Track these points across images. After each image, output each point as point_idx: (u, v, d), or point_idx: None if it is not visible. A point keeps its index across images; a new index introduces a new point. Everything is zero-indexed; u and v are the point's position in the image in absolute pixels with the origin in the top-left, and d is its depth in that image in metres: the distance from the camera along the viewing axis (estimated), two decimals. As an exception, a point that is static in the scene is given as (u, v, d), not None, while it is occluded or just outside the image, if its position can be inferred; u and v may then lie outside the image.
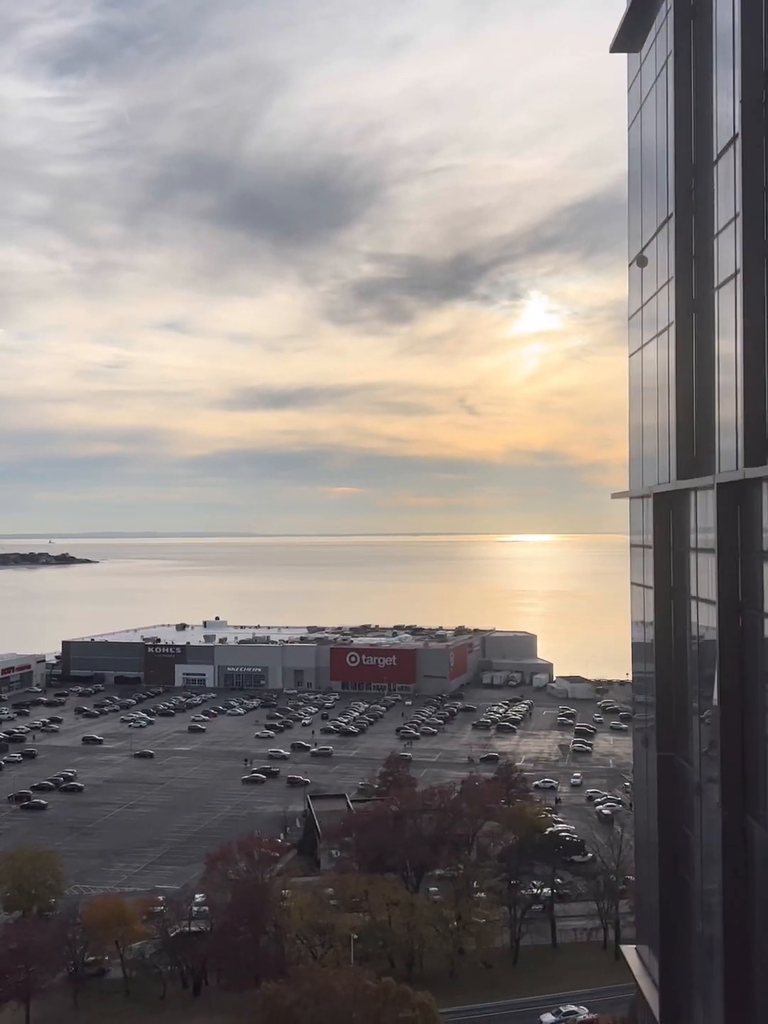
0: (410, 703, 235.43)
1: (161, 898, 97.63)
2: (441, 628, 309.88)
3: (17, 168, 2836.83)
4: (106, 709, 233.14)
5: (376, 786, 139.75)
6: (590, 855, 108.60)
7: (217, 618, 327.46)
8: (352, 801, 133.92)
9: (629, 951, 35.11)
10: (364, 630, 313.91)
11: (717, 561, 22.61)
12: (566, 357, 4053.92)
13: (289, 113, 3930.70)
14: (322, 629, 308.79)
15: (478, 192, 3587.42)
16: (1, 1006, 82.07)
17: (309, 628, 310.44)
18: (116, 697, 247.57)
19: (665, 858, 27.46)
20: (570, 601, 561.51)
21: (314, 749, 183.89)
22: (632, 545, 33.44)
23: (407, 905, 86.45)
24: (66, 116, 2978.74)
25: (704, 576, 24.55)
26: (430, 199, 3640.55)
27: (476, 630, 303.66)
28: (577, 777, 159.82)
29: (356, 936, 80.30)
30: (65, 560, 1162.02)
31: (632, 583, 33.42)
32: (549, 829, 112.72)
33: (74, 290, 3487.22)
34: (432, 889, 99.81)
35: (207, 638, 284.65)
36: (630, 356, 33.66)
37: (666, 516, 28.34)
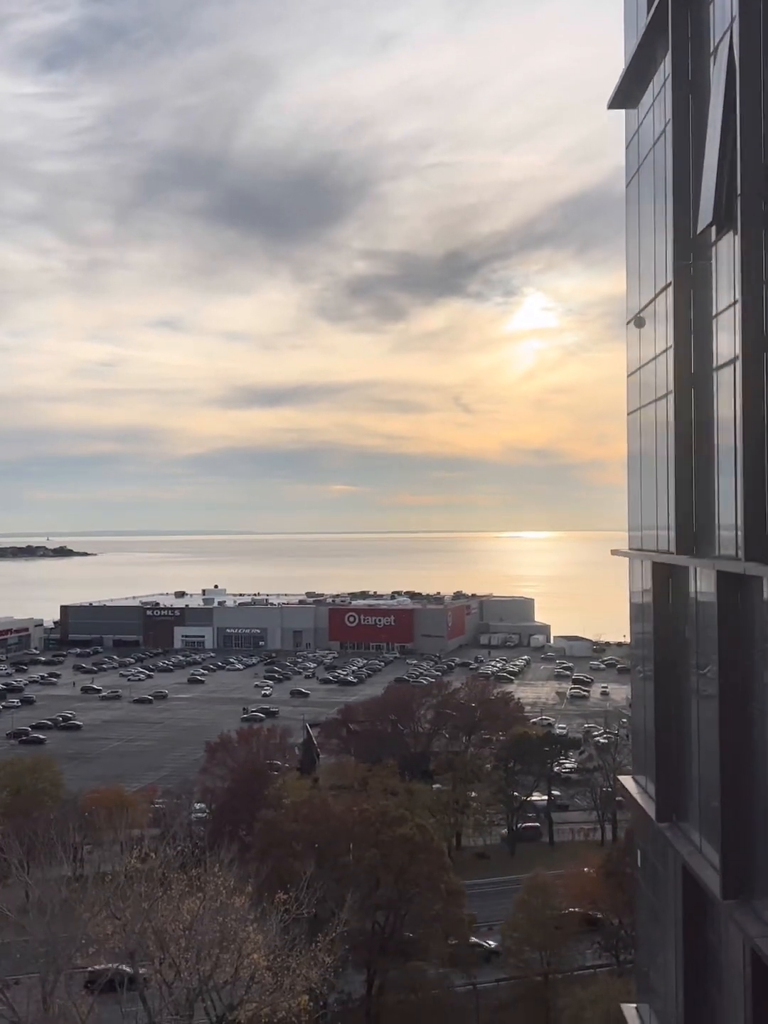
0: (412, 662, 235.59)
1: (160, 798, 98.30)
2: (439, 593, 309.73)
3: (7, 164, 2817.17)
4: (105, 667, 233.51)
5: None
6: (585, 753, 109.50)
7: (216, 586, 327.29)
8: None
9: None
10: (362, 595, 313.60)
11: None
12: (561, 354, 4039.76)
13: (279, 109, 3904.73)
14: (321, 595, 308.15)
15: (470, 188, 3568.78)
16: None
17: (307, 593, 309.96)
18: (115, 656, 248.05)
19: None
20: (569, 584, 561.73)
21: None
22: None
23: (405, 792, 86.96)
24: (55, 112, 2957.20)
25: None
26: (422, 196, 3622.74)
27: (474, 595, 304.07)
28: (563, 726, 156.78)
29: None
30: (63, 552, 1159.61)
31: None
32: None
33: (67, 288, 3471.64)
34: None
35: (206, 602, 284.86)
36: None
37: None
